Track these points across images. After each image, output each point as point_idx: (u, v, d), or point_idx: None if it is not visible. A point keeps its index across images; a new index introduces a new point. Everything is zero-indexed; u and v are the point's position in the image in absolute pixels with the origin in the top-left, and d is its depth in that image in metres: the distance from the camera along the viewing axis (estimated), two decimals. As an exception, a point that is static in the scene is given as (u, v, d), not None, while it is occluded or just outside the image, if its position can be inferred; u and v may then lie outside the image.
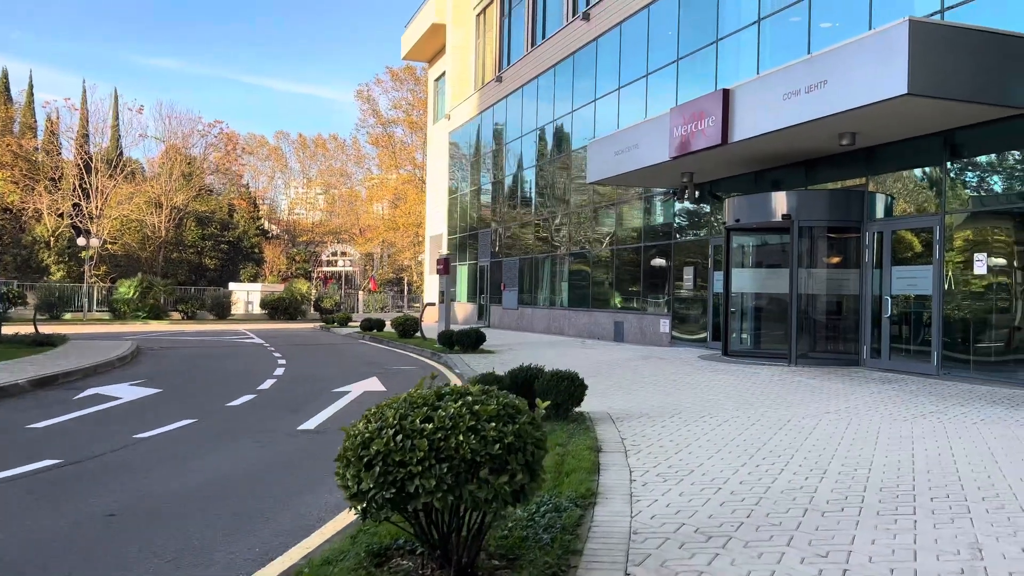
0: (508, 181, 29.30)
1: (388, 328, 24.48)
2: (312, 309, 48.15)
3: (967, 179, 11.86)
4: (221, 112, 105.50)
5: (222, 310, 44.03)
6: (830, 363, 13.45)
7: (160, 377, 13.09)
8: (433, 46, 39.30)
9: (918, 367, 12.24)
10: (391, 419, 2.98)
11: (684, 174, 16.34)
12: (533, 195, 27.16)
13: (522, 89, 27.61)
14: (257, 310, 48.03)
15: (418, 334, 21.08)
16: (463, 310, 33.48)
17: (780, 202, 13.78)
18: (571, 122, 23.99)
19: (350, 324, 30.75)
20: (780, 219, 13.65)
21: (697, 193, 17.93)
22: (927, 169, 12.41)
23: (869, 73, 10.43)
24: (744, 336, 16.17)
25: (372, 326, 25.79)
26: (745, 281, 15.87)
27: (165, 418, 8.78)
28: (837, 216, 13.57)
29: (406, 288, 70.73)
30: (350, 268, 62.77)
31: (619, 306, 21.25)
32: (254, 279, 62.65)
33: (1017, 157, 11.12)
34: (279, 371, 14.16)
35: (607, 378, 11.94)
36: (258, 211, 73.47)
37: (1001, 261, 11.27)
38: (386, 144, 74.55)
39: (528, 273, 27.09)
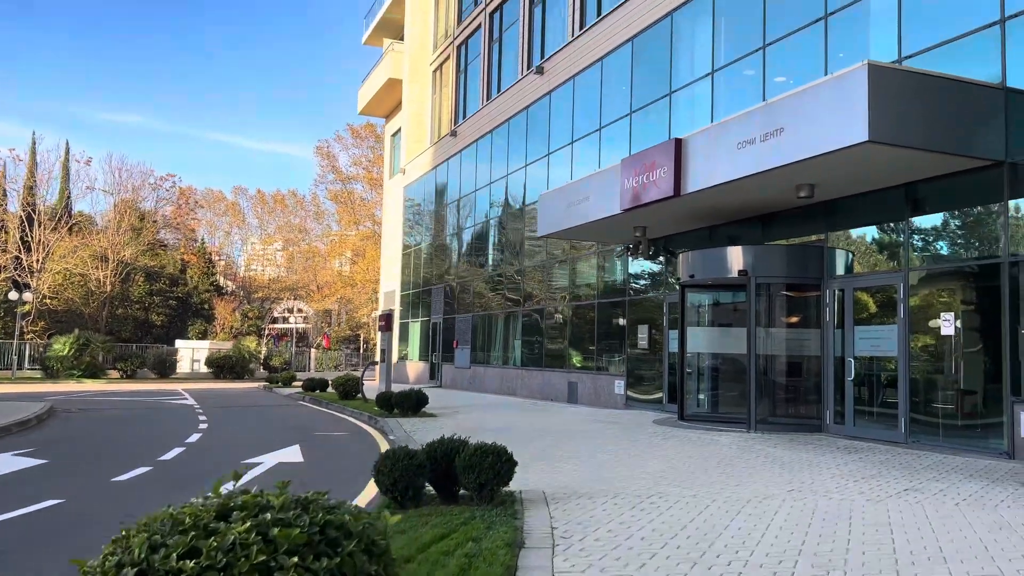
0: (462, 236, 28.49)
1: (332, 389, 23.17)
2: (261, 367, 46.39)
3: (931, 234, 11.25)
4: (182, 168, 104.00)
5: (165, 368, 42.14)
6: (791, 429, 12.58)
7: (55, 445, 11.72)
8: (389, 101, 38.83)
9: (885, 434, 11.41)
10: (138, 551, 1.94)
11: (637, 228, 15.63)
12: (488, 250, 26.34)
13: (476, 143, 27.03)
14: (204, 368, 46.15)
15: (360, 395, 19.82)
16: (415, 369, 32.23)
17: (736, 257, 13.06)
18: (524, 176, 23.34)
19: (294, 384, 29.28)
20: (736, 275, 12.91)
21: (652, 249, 17.21)
22: (889, 224, 11.80)
23: (828, 120, 9.82)
24: (701, 398, 15.29)
25: (315, 386, 24.42)
26: (701, 340, 15.05)
27: (30, 498, 7.51)
28: (796, 273, 12.87)
29: (363, 346, 69.07)
30: (303, 325, 61.18)
31: (573, 366, 20.30)
32: (203, 336, 60.66)
33: (981, 211, 10.54)
34: (194, 437, 12.85)
35: (552, 446, 10.90)
36: (213, 267, 71.74)
37: (969, 320, 10.58)
38: (345, 200, 73.84)
39: (481, 331, 26.09)
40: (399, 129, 36.98)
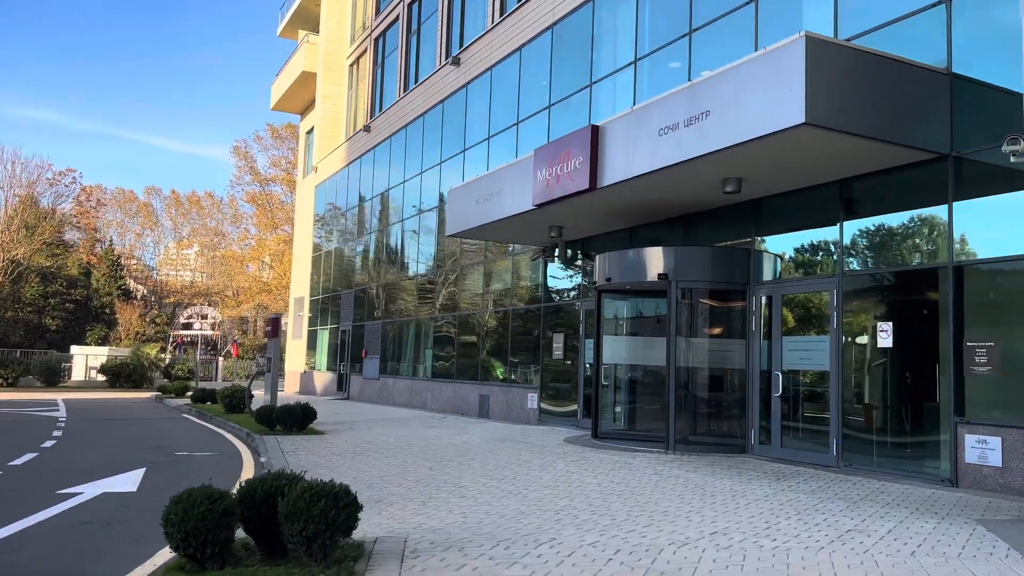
0: (373, 237, 26.75)
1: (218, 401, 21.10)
2: (162, 376, 43.42)
3: (868, 236, 10.20)
4: (96, 168, 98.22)
5: (53, 376, 38.97)
6: (714, 449, 11.37)
7: None
8: (304, 96, 36.82)
9: (815, 456, 10.29)
10: None
11: (552, 228, 14.29)
12: (400, 253, 24.68)
13: (391, 139, 25.40)
14: (100, 377, 42.95)
15: (247, 409, 17.88)
16: (323, 380, 30.25)
17: (656, 259, 11.82)
18: (439, 175, 21.83)
19: (187, 394, 26.97)
20: (656, 279, 11.67)
21: (569, 252, 15.93)
22: (822, 225, 10.72)
23: (759, 101, 8.64)
24: (618, 412, 14.03)
25: (205, 398, 22.31)
26: (619, 351, 13.79)
27: None
28: (721, 277, 11.71)
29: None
30: (209, 332, 57.98)
31: (485, 378, 18.83)
32: (103, 342, 56.98)
33: (923, 211, 9.53)
34: (26, 457, 10.86)
35: (442, 472, 9.38)
36: (121, 269, 67.76)
37: (909, 332, 9.55)
38: (263, 203, 70.95)
39: (392, 340, 24.39)
40: (313, 127, 35.01)
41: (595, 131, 11.28)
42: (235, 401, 18.27)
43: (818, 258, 10.81)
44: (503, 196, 13.70)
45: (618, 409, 14.15)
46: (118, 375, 39.66)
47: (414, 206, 23.40)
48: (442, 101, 21.86)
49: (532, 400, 16.66)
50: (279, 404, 14.14)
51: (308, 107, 37.53)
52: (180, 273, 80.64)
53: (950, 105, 9.05)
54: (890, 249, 9.93)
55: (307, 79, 34.73)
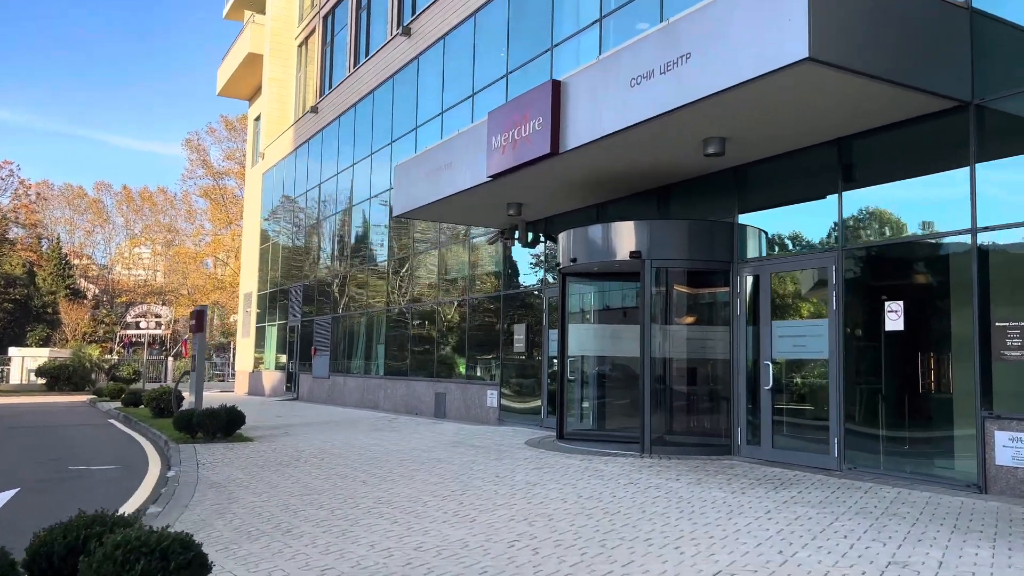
0: (322, 227, 24.98)
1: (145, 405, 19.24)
2: (106, 379, 41.05)
3: (872, 203, 8.84)
4: (39, 165, 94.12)
5: (-19, 380, 36.58)
6: (695, 451, 9.96)
7: None
8: (252, 81, 34.81)
9: (812, 458, 8.92)
10: None
11: (511, 206, 12.77)
12: (348, 242, 22.96)
13: (339, 120, 23.65)
14: (41, 380, 40.49)
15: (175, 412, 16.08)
16: (271, 379, 28.41)
17: (627, 235, 10.37)
18: (390, 155, 20.16)
19: (123, 397, 24.98)
20: (628, 257, 10.21)
21: (530, 235, 14.43)
22: (818, 192, 9.35)
23: (752, 35, 7.20)
24: (586, 407, 12.59)
25: (137, 401, 20.47)
26: (587, 341, 12.34)
27: None
28: (701, 255, 10.29)
29: (232, 354, 63.81)
30: (156, 331, 55.47)
31: (441, 374, 17.27)
32: (46, 343, 54.25)
33: (939, 170, 8.19)
34: None
35: (378, 486, 7.83)
36: (69, 268, 64.84)
37: (922, 312, 8.21)
38: (217, 197, 68.47)
39: (342, 335, 22.68)
40: (261, 113, 33.05)
41: (556, 87, 9.78)
42: (163, 404, 16.49)
43: (812, 231, 9.43)
44: (455, 169, 12.14)
45: (586, 405, 12.71)
46: (57, 378, 37.37)
47: (364, 191, 21.72)
48: (392, 76, 20.20)
49: (492, 398, 15.15)
50: (208, 407, 12.43)
51: (256, 93, 35.52)
52: (133, 272, 77.76)
53: (970, 45, 7.71)
54: (900, 216, 8.58)
55: (254, 62, 32.78)
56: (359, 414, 18.11)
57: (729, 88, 7.39)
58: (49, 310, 57.04)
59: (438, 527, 5.93)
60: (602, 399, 12.63)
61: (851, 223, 8.88)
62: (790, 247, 9.70)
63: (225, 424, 12.11)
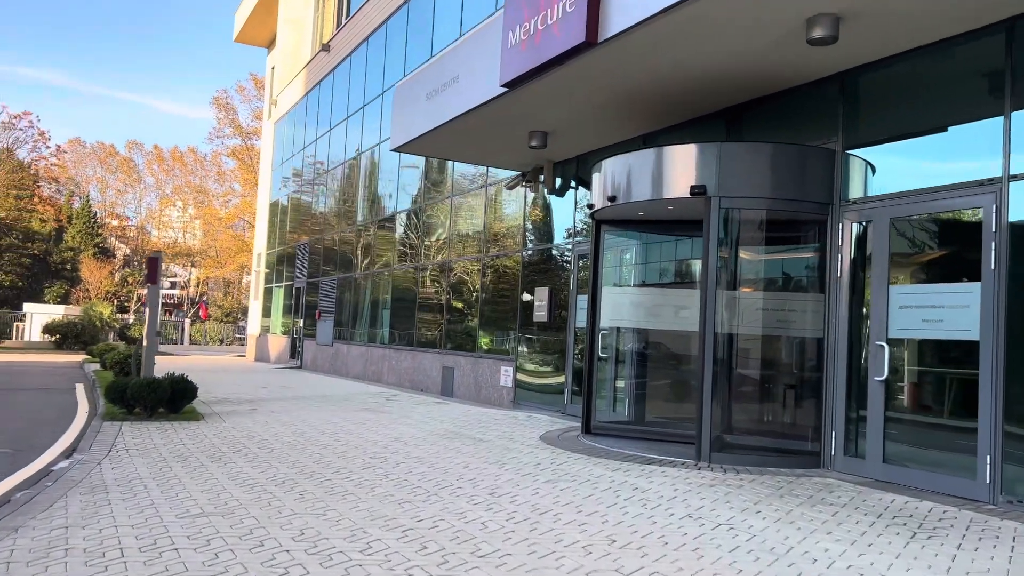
0: (330, 177, 22.48)
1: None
2: (117, 338, 39.35)
3: (1061, 110, 6.01)
4: (72, 126, 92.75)
5: (-11, 335, 35.05)
6: (770, 462, 7.28)
7: None
8: (270, 24, 32.29)
9: (947, 483, 6.21)
10: None
11: (533, 135, 10.07)
12: (357, 194, 20.44)
13: (350, 57, 21.04)
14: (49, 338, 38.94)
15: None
16: (277, 345, 26.18)
17: (687, 162, 7.64)
18: (403, 93, 17.49)
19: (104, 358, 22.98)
20: (687, 194, 7.49)
21: (558, 180, 11.77)
22: (968, 100, 6.52)
23: None
24: (619, 393, 9.95)
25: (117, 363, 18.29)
26: (624, 309, 9.67)
27: None
28: (788, 192, 7.51)
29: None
30: (174, 291, 53.76)
31: (450, 346, 14.73)
32: (64, 300, 52.99)
33: None
34: None
35: (316, 503, 5.32)
36: (99, 227, 63.65)
37: None
38: (245, 157, 66.61)
39: (348, 297, 20.25)
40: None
41: (597, -49, 7.02)
42: (125, 369, 14.22)
43: (960, 152, 6.60)
44: (463, 82, 9.47)
45: (620, 387, 10.07)
46: (65, 335, 35.72)
47: (374, 135, 19.13)
48: (407, 1, 17.50)
49: (506, 376, 12.59)
50: (151, 376, 10.02)
51: (274, 41, 33.05)
52: (164, 234, 76.67)
53: None
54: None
55: (271, 2, 30.24)
56: (357, 388, 15.67)
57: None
58: (68, 267, 55.66)
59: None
60: (641, 383, 9.98)
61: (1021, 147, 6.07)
62: (920, 182, 6.89)
63: (169, 397, 9.70)
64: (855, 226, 7.24)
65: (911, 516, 5.48)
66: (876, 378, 6.78)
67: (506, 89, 8.41)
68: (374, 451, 7.73)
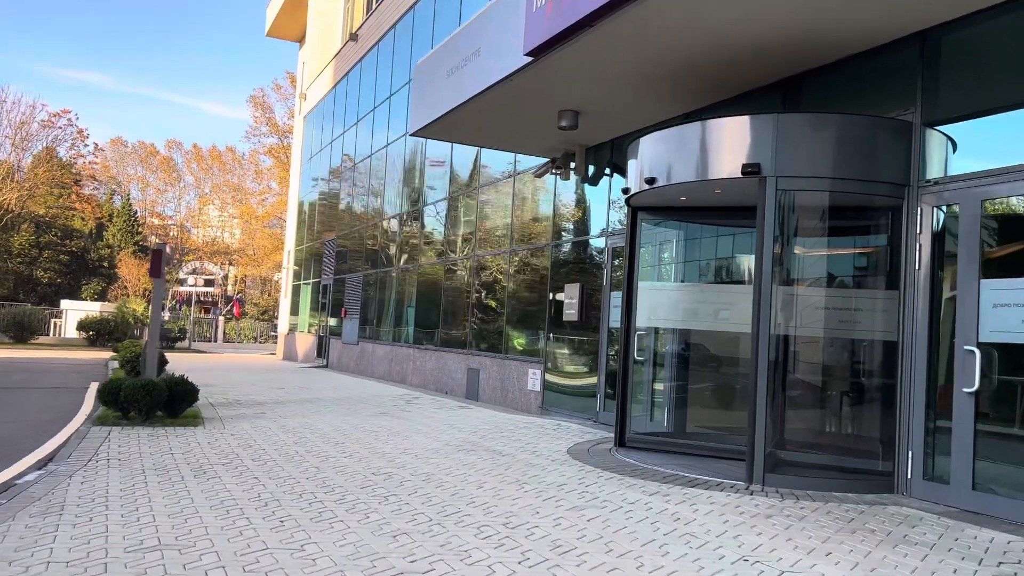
0: (356, 171, 21.76)
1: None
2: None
3: None
4: (114, 125, 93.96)
5: (23, 332, 35.01)
6: (834, 484, 6.24)
7: None
8: (300, 19, 31.76)
9: (1057, 518, 5.14)
10: None
11: (563, 115, 9.12)
12: (384, 188, 19.67)
13: (378, 46, 20.29)
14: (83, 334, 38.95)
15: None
16: (304, 344, 25.58)
17: (738, 137, 6.64)
18: (430, 80, 16.67)
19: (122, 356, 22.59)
20: (739, 174, 6.48)
21: (591, 167, 10.82)
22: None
23: None
24: (659, 404, 8.96)
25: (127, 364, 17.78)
26: (664, 306, 8.68)
27: None
28: (856, 172, 6.45)
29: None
30: (206, 289, 53.84)
31: (476, 346, 13.85)
32: (101, 297, 53.38)
33: None
34: None
35: (296, 535, 4.46)
36: (139, 225, 64.25)
37: None
38: (280, 156, 66.68)
39: (374, 295, 19.50)
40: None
41: None
42: (137, 367, 13.58)
43: (1072, 124, 5.52)
44: (484, 55, 8.56)
45: (658, 390, 9.07)
46: (99, 332, 35.66)
47: (400, 126, 18.33)
48: (435, -17, 16.67)
49: (534, 379, 11.66)
50: (148, 379, 9.29)
51: (305, 34, 32.54)
52: (204, 232, 77.27)
53: None
54: None
55: (301, -3, 29.71)
56: (378, 389, 14.87)
57: None
58: (106, 264, 56.01)
59: None
60: (682, 389, 8.97)
61: None
62: (1006, 164, 5.80)
63: (166, 400, 8.96)
64: (936, 210, 6.17)
65: (1019, 563, 4.44)
66: (965, 389, 5.72)
67: (531, 59, 7.48)
68: (379, 465, 6.86)
